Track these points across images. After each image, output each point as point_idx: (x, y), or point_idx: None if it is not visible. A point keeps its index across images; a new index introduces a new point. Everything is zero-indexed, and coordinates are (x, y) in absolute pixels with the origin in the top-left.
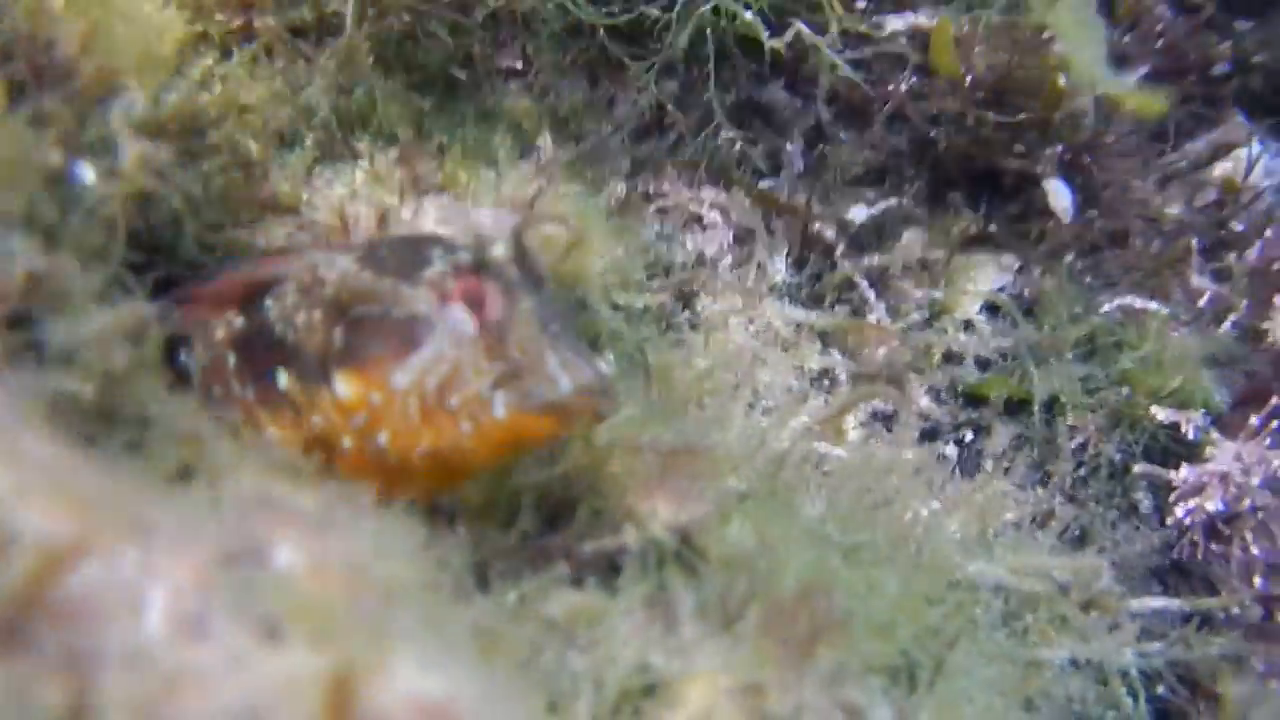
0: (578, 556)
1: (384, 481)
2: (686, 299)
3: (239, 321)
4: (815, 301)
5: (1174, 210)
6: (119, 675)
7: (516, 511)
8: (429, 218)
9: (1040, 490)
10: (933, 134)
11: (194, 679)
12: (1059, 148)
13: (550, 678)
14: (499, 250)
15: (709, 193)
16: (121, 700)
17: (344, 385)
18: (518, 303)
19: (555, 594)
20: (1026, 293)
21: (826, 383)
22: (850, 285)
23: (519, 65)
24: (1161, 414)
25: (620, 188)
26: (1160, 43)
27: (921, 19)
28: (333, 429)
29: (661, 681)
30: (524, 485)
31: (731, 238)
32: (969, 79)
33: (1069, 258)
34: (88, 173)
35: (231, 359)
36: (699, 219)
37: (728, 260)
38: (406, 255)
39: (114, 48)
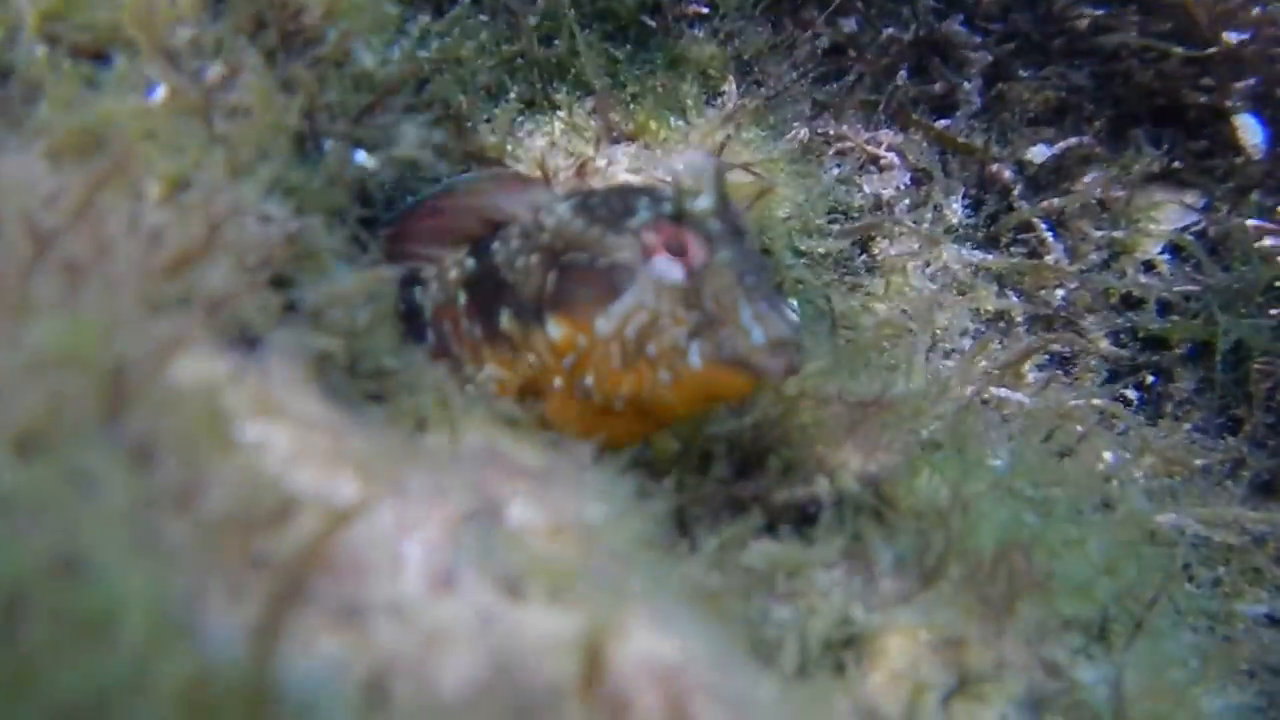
0: (771, 504)
1: (590, 422)
2: (864, 243)
3: (470, 263)
4: (992, 243)
5: None
6: (385, 628)
7: (710, 460)
8: (621, 166)
9: (1229, 438)
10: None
11: (450, 635)
12: (1251, 80)
13: (755, 627)
14: (702, 201)
15: (886, 134)
16: (391, 653)
17: (555, 327)
18: (716, 254)
19: (754, 543)
20: (1212, 233)
21: (1003, 325)
22: (1028, 226)
23: (705, 10)
24: None
25: (803, 132)
26: None
27: None
28: (545, 368)
29: (863, 634)
30: (716, 435)
31: (909, 179)
32: None
33: (1258, 196)
34: (369, 160)
35: (462, 298)
36: (876, 160)
37: (905, 203)
38: (616, 204)
39: (352, 11)
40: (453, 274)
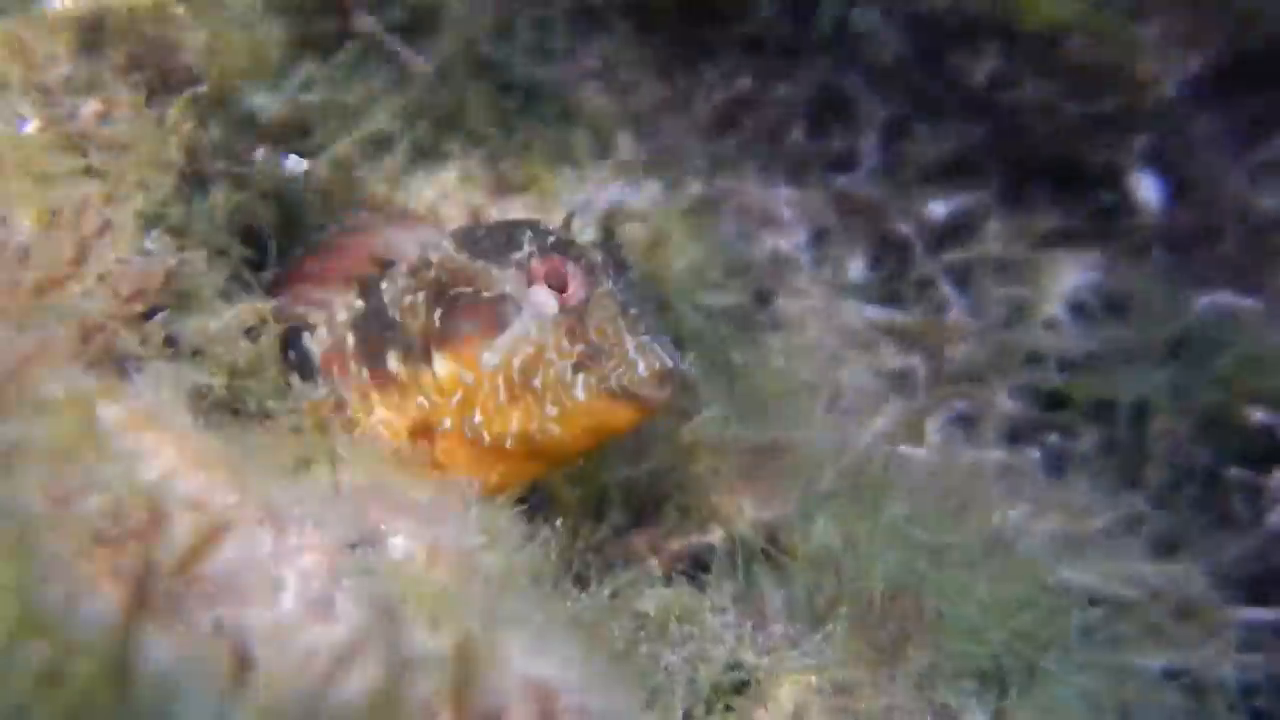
0: (666, 552)
1: (482, 462)
2: (764, 298)
3: (358, 304)
4: (893, 299)
5: (1269, 202)
6: (264, 649)
7: (606, 507)
8: (516, 217)
9: (1129, 495)
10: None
11: (327, 656)
12: (1146, 137)
13: (645, 672)
14: (585, 235)
15: (784, 190)
16: (268, 670)
17: (441, 364)
18: (598, 285)
19: (647, 590)
20: (1112, 290)
21: (905, 382)
22: (929, 283)
23: (597, 63)
24: (1260, 415)
25: (698, 186)
26: None
27: None
28: (434, 408)
29: (753, 679)
30: (612, 482)
31: (807, 235)
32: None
33: (1156, 253)
34: (300, 164)
35: (350, 340)
36: (774, 216)
37: (805, 258)
38: (499, 238)
39: (231, 52)
40: (340, 316)
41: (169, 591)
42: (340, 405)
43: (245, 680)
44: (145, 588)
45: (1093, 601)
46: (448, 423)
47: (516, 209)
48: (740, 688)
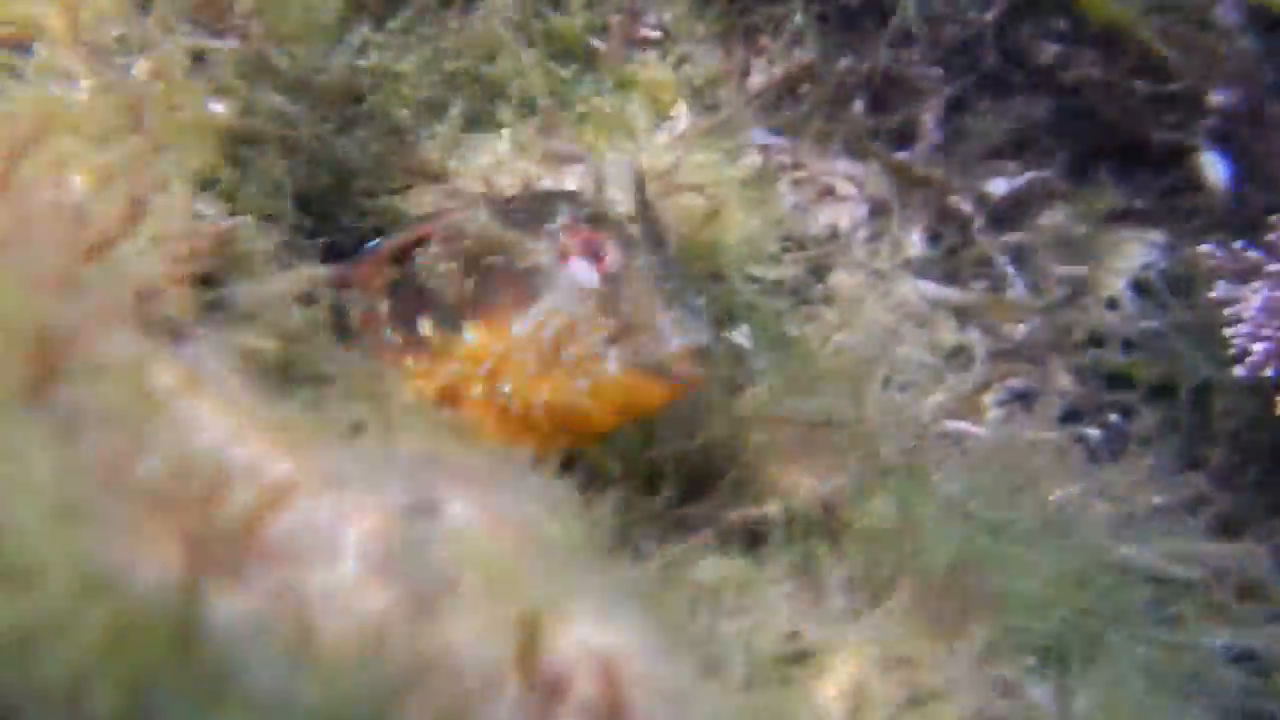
0: (721, 524)
1: (510, 433)
2: (820, 272)
3: (392, 270)
4: (951, 277)
5: None
6: (324, 614)
7: (658, 480)
8: (570, 187)
9: (1192, 475)
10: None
11: (389, 624)
12: (1214, 119)
13: (702, 642)
14: (621, 206)
15: (843, 164)
16: (332, 634)
17: (472, 333)
18: (633, 259)
19: (702, 561)
20: (1177, 271)
21: (963, 359)
22: (988, 261)
23: (656, 34)
24: None
25: (756, 158)
26: None
27: None
28: (464, 377)
29: (811, 650)
30: (664, 455)
31: (866, 210)
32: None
33: (1221, 234)
34: (218, 106)
35: (384, 305)
36: (832, 190)
37: (862, 233)
38: (534, 208)
39: (285, 16)
40: (376, 281)
41: (231, 556)
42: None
43: (309, 642)
44: (207, 549)
45: (1154, 580)
46: (477, 391)
47: (571, 179)
48: (798, 659)
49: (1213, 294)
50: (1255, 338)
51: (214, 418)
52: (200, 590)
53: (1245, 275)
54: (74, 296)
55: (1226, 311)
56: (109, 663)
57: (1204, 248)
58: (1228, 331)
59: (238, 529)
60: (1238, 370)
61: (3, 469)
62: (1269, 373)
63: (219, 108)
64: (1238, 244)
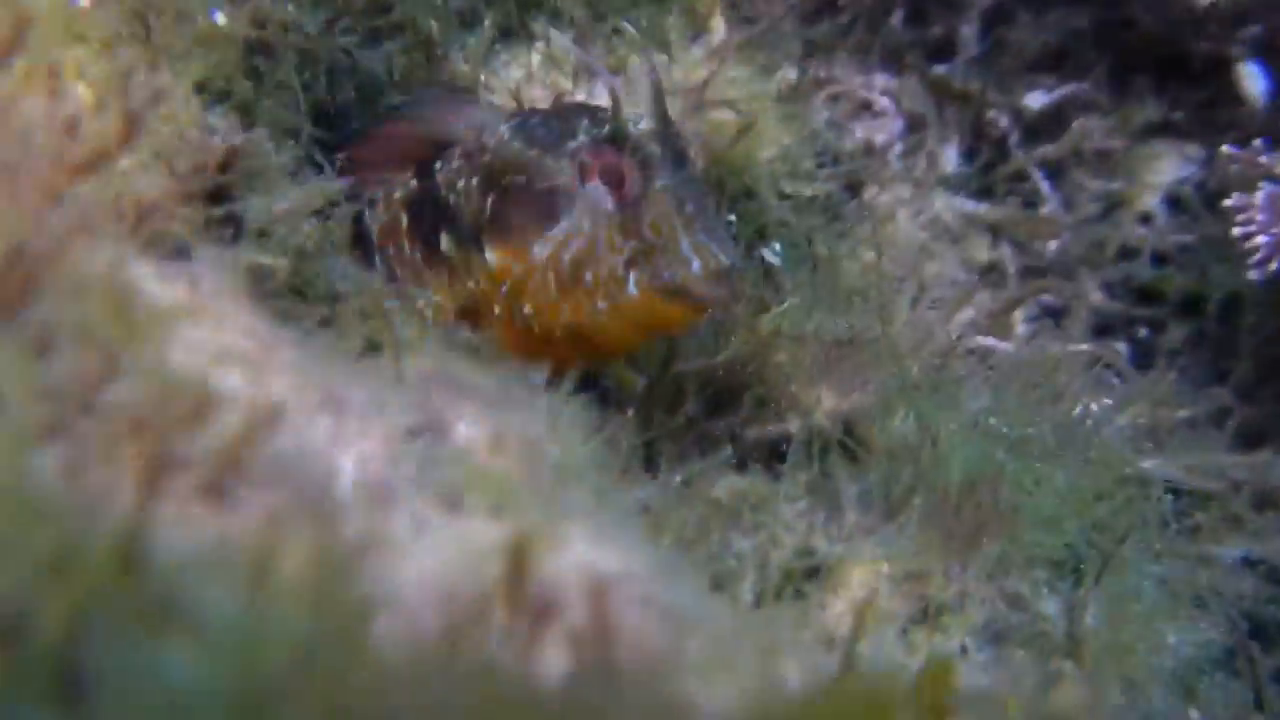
0: (742, 441)
1: (530, 351)
2: (855, 188)
3: (413, 184)
4: (986, 193)
5: None
6: (312, 536)
7: (681, 396)
8: (600, 102)
9: (1216, 389)
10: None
11: (382, 544)
12: (1256, 27)
13: (715, 558)
14: (642, 124)
15: (880, 78)
16: (311, 558)
17: (492, 253)
18: (655, 180)
19: (720, 478)
20: (1211, 185)
21: (995, 276)
22: (1023, 176)
23: None
24: None
25: (792, 72)
26: None
27: None
28: (484, 295)
29: (824, 565)
30: (688, 371)
31: (902, 125)
32: None
33: (1259, 145)
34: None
35: (404, 219)
36: (869, 105)
37: (898, 149)
38: (555, 126)
39: None
40: (397, 194)
41: (212, 480)
42: (399, 285)
43: (270, 570)
44: (163, 474)
45: (1173, 493)
46: (497, 310)
47: (603, 94)
48: (811, 574)
49: (1228, 201)
50: (1262, 233)
51: (206, 337)
52: (146, 516)
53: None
54: (56, 212)
55: (1238, 217)
56: (48, 594)
57: (1225, 148)
58: (1236, 231)
59: (224, 452)
60: (1251, 274)
61: None
62: (1275, 266)
63: (220, 18)
64: (1257, 142)
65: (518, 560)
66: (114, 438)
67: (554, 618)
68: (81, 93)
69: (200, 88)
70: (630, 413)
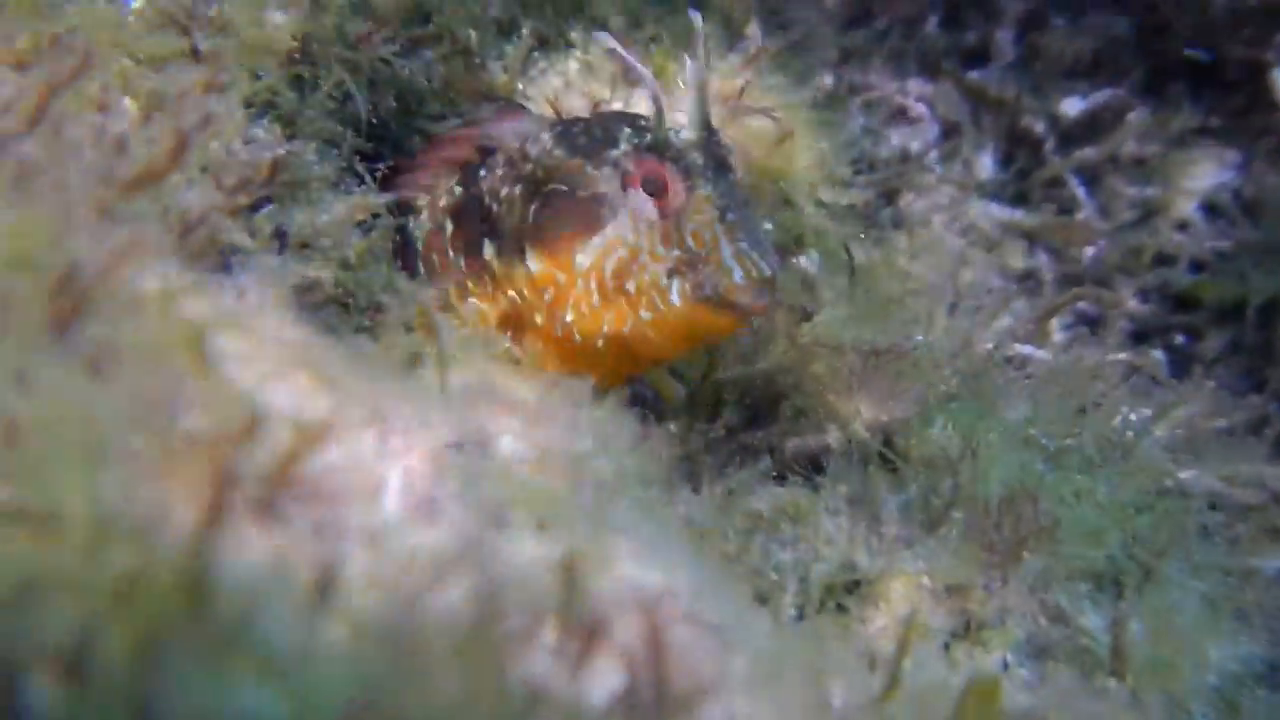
0: (781, 452)
1: (572, 360)
2: (890, 196)
3: (458, 190)
4: (1022, 199)
5: None
6: (360, 553)
7: (720, 407)
8: (639, 110)
9: (1254, 397)
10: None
11: (429, 560)
12: None
13: (757, 571)
14: (685, 133)
15: (916, 84)
16: (363, 575)
17: (535, 261)
18: (697, 189)
19: (760, 489)
20: (1248, 191)
21: (1031, 283)
22: (1059, 183)
23: None
24: None
25: (828, 79)
26: None
27: None
28: (526, 304)
29: (865, 579)
30: (727, 381)
31: (938, 131)
32: None
33: None
34: (279, 15)
35: (449, 226)
36: (905, 112)
37: (933, 156)
38: (598, 134)
39: None
40: (442, 201)
41: (263, 498)
42: (440, 293)
43: (334, 589)
44: (225, 496)
45: (1212, 505)
46: (539, 319)
47: (640, 101)
48: (852, 587)
49: None
50: None
51: (254, 352)
52: (212, 541)
53: None
54: (107, 230)
55: None
56: (119, 617)
57: None
58: None
59: (273, 469)
60: None
61: (25, 405)
62: None
63: (279, 17)
64: None
65: (571, 579)
66: (173, 456)
67: (604, 636)
68: (129, 106)
69: (247, 102)
70: (668, 426)
